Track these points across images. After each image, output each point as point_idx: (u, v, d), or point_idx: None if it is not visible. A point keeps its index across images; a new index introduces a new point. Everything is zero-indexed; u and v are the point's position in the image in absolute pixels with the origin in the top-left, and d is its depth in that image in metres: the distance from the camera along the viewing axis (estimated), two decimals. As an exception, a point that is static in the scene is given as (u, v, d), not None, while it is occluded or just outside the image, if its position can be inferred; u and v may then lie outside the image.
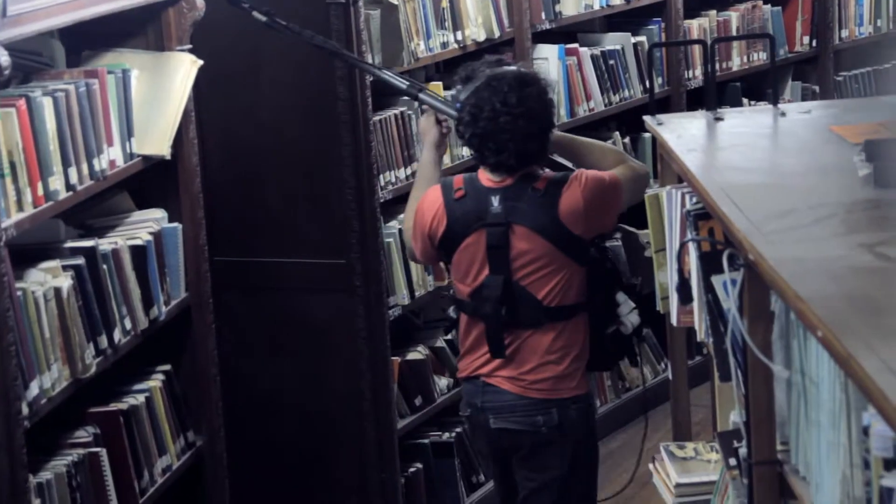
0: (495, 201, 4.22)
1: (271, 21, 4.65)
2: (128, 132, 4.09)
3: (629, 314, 4.23)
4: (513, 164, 4.20)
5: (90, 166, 3.86)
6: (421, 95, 4.59)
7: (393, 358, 5.25)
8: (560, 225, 4.17)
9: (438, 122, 4.53)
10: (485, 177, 4.27)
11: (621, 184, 4.20)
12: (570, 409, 4.23)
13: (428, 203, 4.35)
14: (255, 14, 4.61)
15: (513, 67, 4.29)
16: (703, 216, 3.40)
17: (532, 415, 4.24)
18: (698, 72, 7.01)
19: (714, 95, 4.23)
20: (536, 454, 4.27)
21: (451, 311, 4.44)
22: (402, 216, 5.33)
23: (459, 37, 5.61)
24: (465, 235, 4.26)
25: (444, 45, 5.54)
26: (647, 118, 4.25)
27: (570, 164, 4.38)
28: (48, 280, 3.67)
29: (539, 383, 4.23)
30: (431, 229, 4.32)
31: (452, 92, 4.47)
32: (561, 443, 4.24)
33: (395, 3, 5.18)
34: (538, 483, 4.28)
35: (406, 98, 5.39)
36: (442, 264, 4.95)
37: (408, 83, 4.66)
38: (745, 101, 7.17)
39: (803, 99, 7.48)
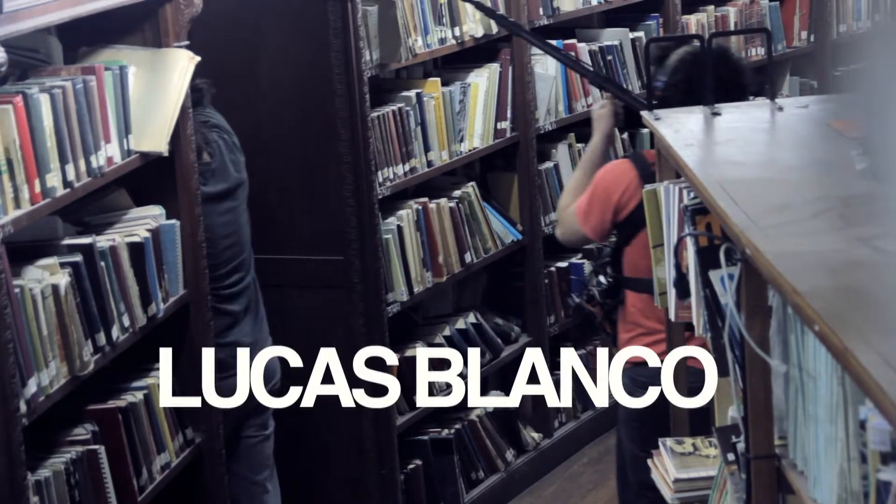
0: None
1: None
2: (125, 129, 4.09)
3: None
4: None
5: (87, 163, 3.86)
6: (606, 84, 4.70)
7: (392, 354, 5.25)
8: None
9: (616, 113, 4.61)
10: None
11: None
12: None
13: (615, 176, 4.37)
14: None
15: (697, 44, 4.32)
16: (700, 211, 3.39)
17: None
18: (697, 67, 7.00)
19: (711, 90, 4.22)
20: None
21: (595, 295, 4.40)
22: (400, 212, 5.34)
23: (457, 32, 5.60)
24: None
25: (442, 40, 5.54)
26: (644, 113, 4.24)
27: None
28: (46, 277, 3.67)
29: None
30: (621, 202, 4.35)
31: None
32: None
33: (393, -1, 5.19)
34: None
35: (404, 94, 5.40)
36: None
37: (593, 71, 4.77)
38: (743, 96, 7.17)
39: (801, 94, 7.47)
